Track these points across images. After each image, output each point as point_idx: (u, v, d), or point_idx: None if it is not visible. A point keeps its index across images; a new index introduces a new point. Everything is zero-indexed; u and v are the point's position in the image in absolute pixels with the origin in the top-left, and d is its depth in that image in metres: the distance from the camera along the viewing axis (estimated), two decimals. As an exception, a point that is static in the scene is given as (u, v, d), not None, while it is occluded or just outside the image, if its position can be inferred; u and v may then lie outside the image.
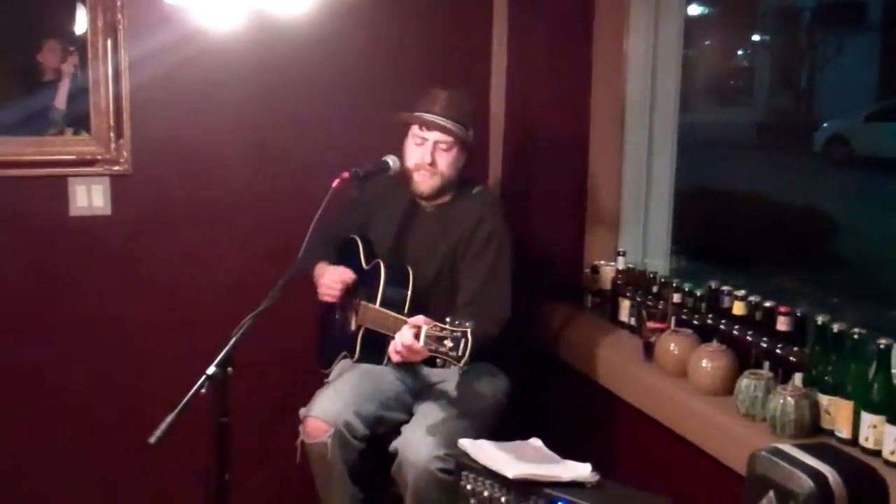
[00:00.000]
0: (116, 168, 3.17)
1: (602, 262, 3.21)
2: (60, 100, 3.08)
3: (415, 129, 2.73)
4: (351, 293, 2.77)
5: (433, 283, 2.74)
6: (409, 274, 2.70)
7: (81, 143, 3.12)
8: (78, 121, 3.10)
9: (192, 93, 3.21)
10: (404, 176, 2.75)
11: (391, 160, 2.70)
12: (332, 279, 2.73)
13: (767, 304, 2.45)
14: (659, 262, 3.25)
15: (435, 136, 2.69)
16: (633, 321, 2.94)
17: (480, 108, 3.37)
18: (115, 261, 3.21)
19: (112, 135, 3.13)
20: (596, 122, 3.27)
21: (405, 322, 2.33)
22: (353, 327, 2.76)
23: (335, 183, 2.49)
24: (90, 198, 3.16)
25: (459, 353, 2.13)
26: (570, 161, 3.27)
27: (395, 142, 2.81)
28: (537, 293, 3.23)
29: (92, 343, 3.21)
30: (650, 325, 2.70)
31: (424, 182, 2.73)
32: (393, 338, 2.37)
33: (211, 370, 2.12)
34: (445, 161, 2.72)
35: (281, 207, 3.25)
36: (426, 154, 2.70)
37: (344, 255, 2.87)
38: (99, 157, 3.14)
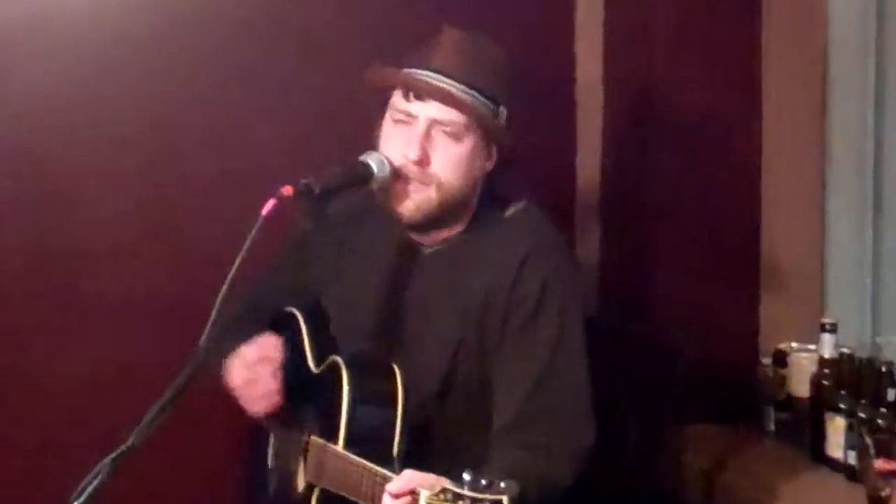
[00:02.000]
0: None
1: (793, 345, 3.15)
2: None
3: (396, 98, 2.59)
4: (292, 418, 2.68)
5: (442, 392, 2.61)
6: (395, 376, 2.52)
7: None
8: None
9: (35, 56, 3.19)
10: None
11: (374, 162, 2.53)
12: (250, 360, 2.61)
13: None
14: (903, 342, 3.28)
15: (431, 110, 2.53)
16: (850, 457, 2.85)
17: (558, 73, 3.35)
18: None
19: None
20: (772, 91, 3.26)
21: (389, 481, 2.22)
22: (300, 487, 2.63)
23: (266, 207, 2.35)
24: None
25: None
26: (727, 164, 3.27)
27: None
28: (668, 404, 3.12)
29: None
30: (881, 464, 2.61)
31: (407, 196, 2.57)
32: None
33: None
34: (448, 158, 2.55)
35: (183, 253, 3.24)
36: (412, 142, 2.53)
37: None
38: None
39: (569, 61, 3.42)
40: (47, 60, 3.21)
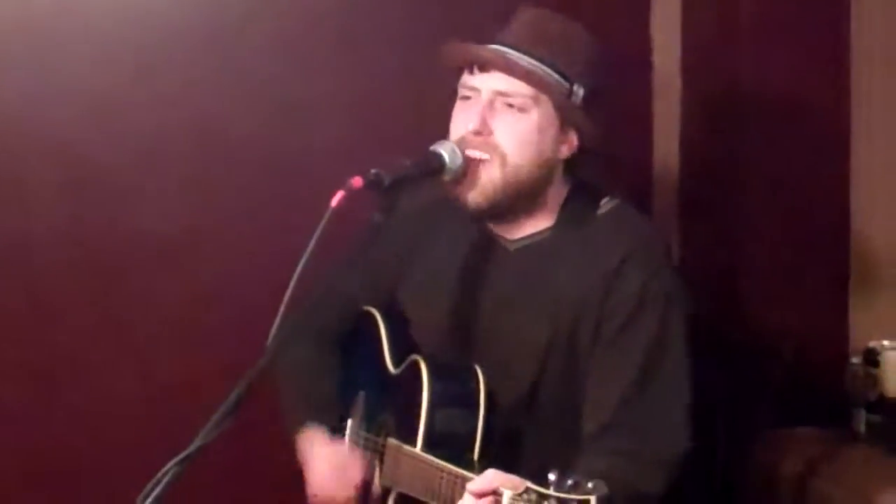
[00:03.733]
0: None
1: (885, 342, 3.11)
2: None
3: (464, 78, 2.57)
4: (368, 420, 2.70)
5: (530, 398, 2.57)
6: (478, 379, 2.50)
7: None
8: None
9: (77, 53, 3.20)
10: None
11: (446, 151, 2.50)
12: (328, 488, 2.63)
13: None
14: None
15: (494, 81, 2.51)
16: (952, 462, 2.81)
17: (633, 60, 3.31)
18: None
19: None
20: (862, 75, 3.22)
21: (469, 481, 2.19)
22: (376, 490, 2.64)
23: (335, 200, 2.34)
24: None
25: None
26: (813, 154, 3.24)
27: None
28: (751, 409, 3.15)
29: None
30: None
31: (474, 180, 2.55)
32: None
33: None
34: (512, 130, 2.50)
35: (242, 252, 3.25)
36: (472, 113, 2.50)
37: (353, 350, 2.81)
38: None
39: (645, 47, 3.39)
40: (90, 58, 3.22)
